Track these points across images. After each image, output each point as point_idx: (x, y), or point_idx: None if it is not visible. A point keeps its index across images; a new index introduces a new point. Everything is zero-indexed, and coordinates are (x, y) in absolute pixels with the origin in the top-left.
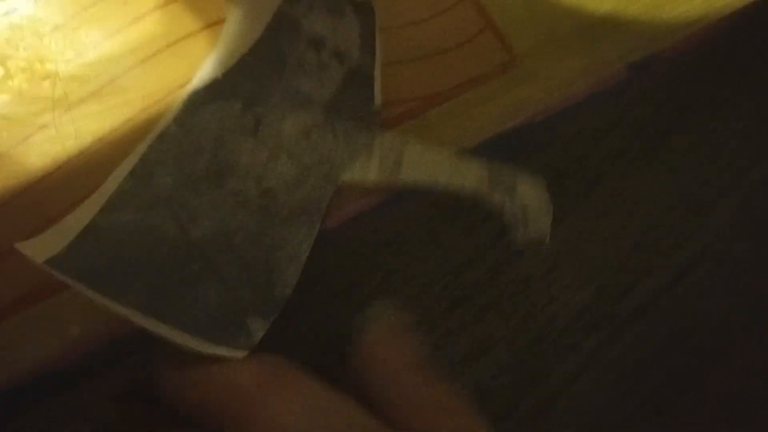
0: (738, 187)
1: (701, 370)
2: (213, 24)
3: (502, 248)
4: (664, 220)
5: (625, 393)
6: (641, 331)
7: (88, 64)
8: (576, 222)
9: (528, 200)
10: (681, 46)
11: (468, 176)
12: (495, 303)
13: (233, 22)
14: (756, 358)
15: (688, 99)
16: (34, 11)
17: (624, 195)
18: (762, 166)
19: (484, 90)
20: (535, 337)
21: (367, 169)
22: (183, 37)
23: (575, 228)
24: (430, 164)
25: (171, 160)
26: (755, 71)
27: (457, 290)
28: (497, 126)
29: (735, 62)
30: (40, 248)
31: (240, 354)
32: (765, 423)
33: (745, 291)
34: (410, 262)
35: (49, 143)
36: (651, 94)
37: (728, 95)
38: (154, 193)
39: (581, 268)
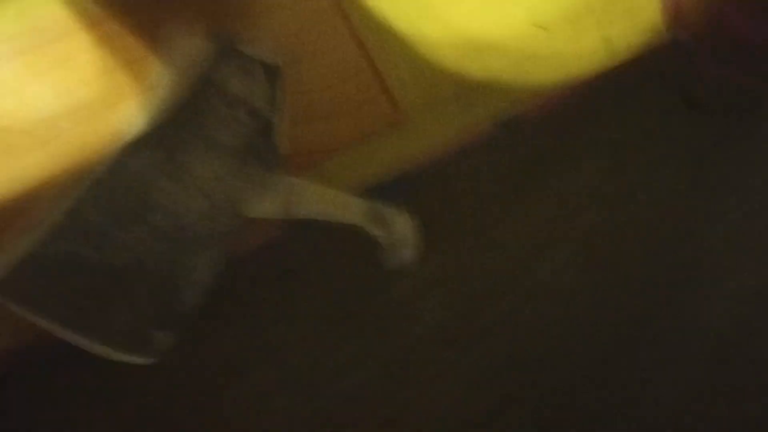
0: (576, 229)
1: (531, 380)
2: (147, 87)
3: (378, 277)
4: (513, 257)
5: (470, 399)
6: (488, 348)
7: (36, 119)
8: (442, 256)
9: (399, 233)
10: (542, 107)
11: (352, 212)
12: (371, 321)
13: (162, 85)
14: (575, 370)
15: (543, 152)
16: None
17: (483, 233)
18: (595, 210)
19: (372, 144)
20: (400, 349)
21: (270, 204)
22: (121, 97)
23: (441, 261)
24: (322, 203)
25: (102, 202)
26: (597, 129)
27: (338, 312)
28: (381, 174)
29: (582, 120)
30: None
31: (147, 361)
32: (583, 417)
33: (574, 317)
34: (302, 288)
35: None
36: (513, 148)
37: (575, 149)
38: (84, 229)
39: (442, 294)
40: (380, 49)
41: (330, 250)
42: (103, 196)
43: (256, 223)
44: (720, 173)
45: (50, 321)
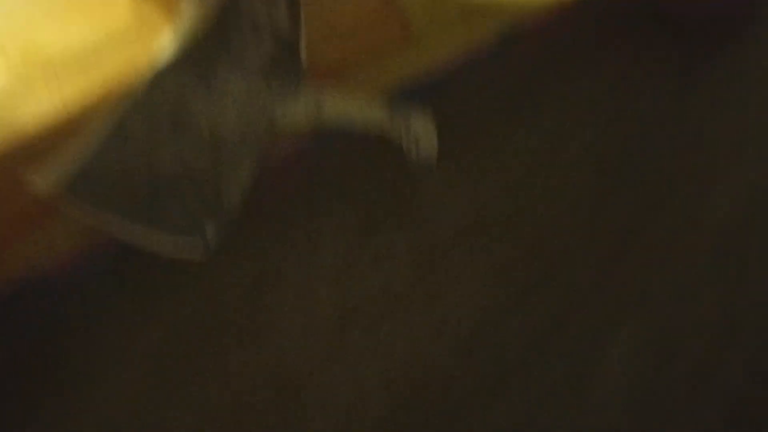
0: (582, 135)
1: (552, 268)
2: (173, 14)
3: (401, 181)
4: (524, 159)
5: (496, 283)
6: (507, 241)
7: (73, 48)
8: (458, 159)
9: (419, 130)
10: (540, 22)
11: (374, 115)
12: (395, 220)
13: (191, 11)
14: (591, 259)
15: (544, 65)
16: (28, 6)
17: (494, 141)
18: (597, 122)
19: (385, 59)
20: (426, 243)
21: (296, 114)
22: (150, 25)
23: (458, 164)
24: (345, 107)
25: (141, 118)
26: (590, 45)
27: (367, 212)
28: (396, 84)
29: (579, 37)
30: (44, 181)
31: (198, 251)
32: (597, 303)
33: (585, 212)
34: (331, 192)
35: (43, 112)
36: (516, 64)
37: (575, 63)
38: (128, 142)
39: (462, 193)
40: None
41: (354, 156)
42: (143, 113)
43: (285, 132)
44: (704, 89)
45: (110, 215)
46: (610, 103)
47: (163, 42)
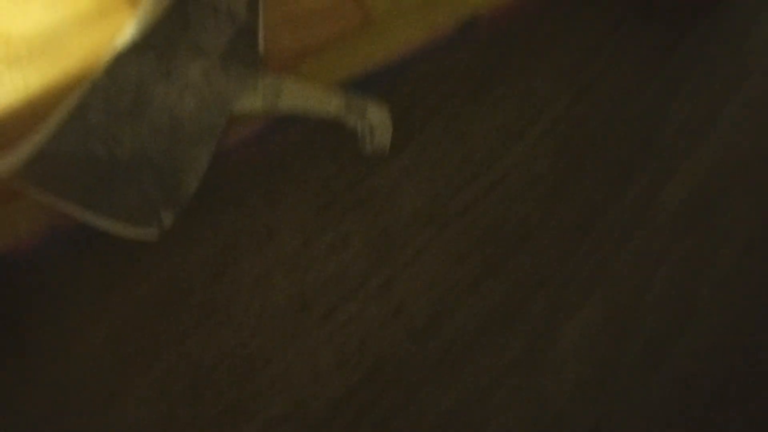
0: (541, 119)
1: (507, 252)
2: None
3: (358, 167)
4: (484, 143)
5: (451, 269)
6: (463, 225)
7: (35, 30)
8: (417, 146)
9: (374, 121)
10: (500, 8)
11: (330, 103)
12: (352, 207)
13: None
14: (546, 244)
15: (505, 50)
16: None
17: (454, 126)
18: (561, 101)
19: (344, 45)
20: (381, 231)
21: (253, 101)
22: (111, 8)
23: (416, 151)
24: (301, 95)
25: (101, 102)
26: (555, 29)
27: (324, 199)
28: (354, 71)
29: (542, 21)
30: (3, 165)
31: (153, 235)
32: (554, 287)
33: (543, 195)
34: (287, 178)
35: (4, 93)
36: (476, 47)
37: (536, 48)
38: (88, 127)
39: (419, 180)
40: None
41: (311, 143)
42: (102, 97)
43: (242, 118)
44: (674, 67)
45: (67, 200)
46: (574, 86)
47: (124, 26)
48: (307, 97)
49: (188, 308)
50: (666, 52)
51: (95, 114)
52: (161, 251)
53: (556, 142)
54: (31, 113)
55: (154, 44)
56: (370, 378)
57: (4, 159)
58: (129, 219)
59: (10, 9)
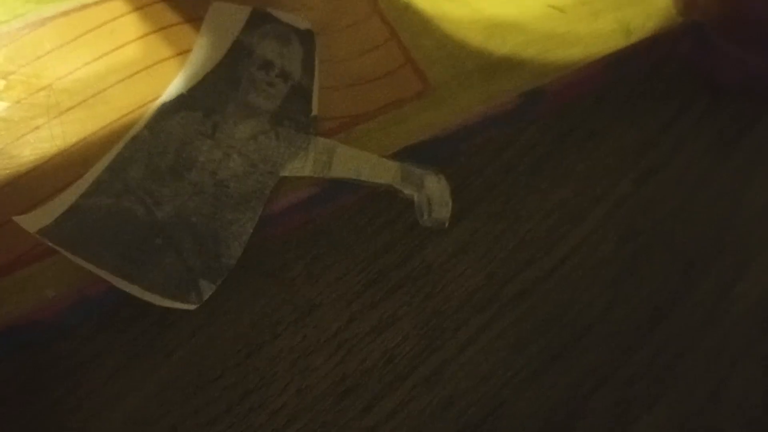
0: (606, 199)
1: (569, 342)
2: (183, 52)
3: (410, 241)
4: (544, 223)
5: (508, 358)
6: (522, 311)
7: (78, 79)
8: (473, 222)
9: (432, 193)
10: (564, 82)
11: (385, 173)
12: (402, 285)
13: (199, 48)
14: (612, 334)
15: (568, 126)
16: (33, 36)
17: (513, 202)
18: (625, 182)
19: (401, 112)
20: (433, 312)
21: (303, 166)
22: (158, 62)
23: (472, 226)
24: (355, 162)
25: (141, 158)
26: (621, 106)
27: (371, 274)
28: (411, 140)
29: (607, 98)
30: (33, 221)
31: (190, 306)
32: (620, 382)
33: (606, 283)
34: (333, 249)
35: (41, 142)
36: (538, 121)
37: (600, 124)
38: (126, 183)
39: (474, 259)
40: (403, 25)
41: (361, 212)
42: (142, 152)
43: (291, 181)
44: (746, 155)
45: (99, 265)
46: (639, 167)
47: (170, 80)
48: (360, 163)
49: (218, 389)
50: (736, 137)
51: (134, 170)
52: (192, 322)
53: (621, 226)
54: (67, 166)
55: (201, 101)
56: None
57: (37, 213)
58: (165, 288)
59: (53, 58)
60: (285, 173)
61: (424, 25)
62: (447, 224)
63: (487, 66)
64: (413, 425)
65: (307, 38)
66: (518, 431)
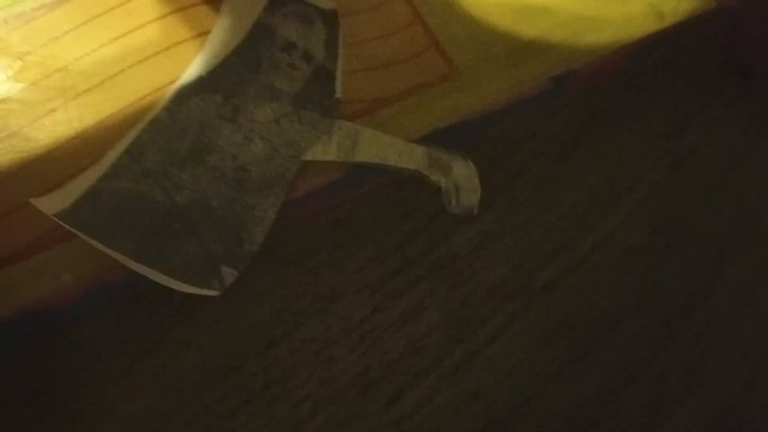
0: (637, 187)
1: (599, 334)
2: (202, 33)
3: (436, 229)
4: (574, 211)
5: (536, 351)
6: (550, 302)
7: (95, 61)
8: (499, 209)
9: (460, 179)
10: (595, 65)
11: (412, 158)
12: (427, 274)
13: (219, 30)
14: (643, 327)
15: (598, 110)
16: (50, 17)
17: (541, 189)
18: (658, 169)
19: (427, 95)
20: (459, 303)
21: (327, 150)
22: (176, 43)
23: (498, 214)
24: (380, 147)
25: (160, 141)
26: (652, 90)
27: (396, 262)
28: (437, 124)
29: (637, 82)
30: (50, 204)
31: (213, 293)
32: (652, 377)
33: (637, 274)
34: (357, 237)
35: (57, 124)
36: (568, 105)
37: (631, 109)
38: (144, 167)
39: (501, 247)
40: (428, 6)
41: (386, 199)
42: (161, 136)
43: (314, 166)
44: None
45: (118, 249)
46: (671, 154)
47: (190, 62)
48: (385, 148)
49: (239, 379)
50: None
51: (153, 153)
52: (212, 311)
53: (653, 214)
54: (84, 150)
55: (221, 83)
56: None
57: (54, 196)
58: (186, 274)
59: (70, 39)
60: (308, 158)
61: (449, 7)
62: (476, 211)
63: (515, 49)
64: (439, 419)
65: (330, 18)
66: (546, 427)
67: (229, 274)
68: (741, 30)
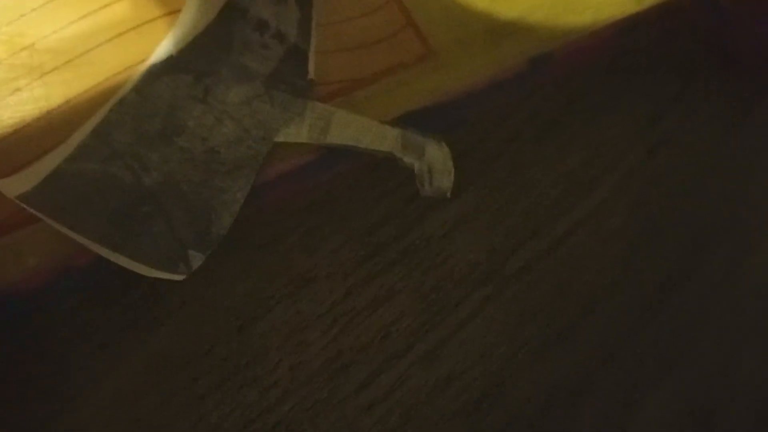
0: (615, 170)
1: (574, 318)
2: (173, 12)
3: (411, 212)
4: (549, 193)
5: (510, 336)
6: (525, 286)
7: (63, 39)
8: (475, 192)
9: (433, 161)
10: (573, 47)
11: (385, 140)
12: (401, 258)
13: (190, 8)
14: (620, 310)
15: (576, 93)
16: None
17: (517, 171)
18: (635, 153)
19: (402, 76)
20: (432, 287)
21: (299, 132)
22: (146, 21)
23: (474, 197)
24: (353, 129)
25: (129, 122)
26: (631, 74)
27: (370, 246)
28: (412, 106)
29: (617, 66)
30: (13, 186)
31: (179, 277)
32: (627, 361)
33: (613, 258)
34: (330, 221)
35: (22, 104)
36: (545, 88)
37: (609, 92)
38: (112, 148)
39: (476, 231)
40: None
41: (359, 182)
42: (130, 116)
43: (286, 148)
44: (757, 125)
45: (84, 234)
46: (650, 137)
47: (160, 41)
48: (359, 130)
49: (209, 364)
50: (748, 107)
51: (121, 134)
52: (182, 295)
53: (630, 198)
54: (50, 130)
55: (192, 63)
56: None
57: (17, 178)
58: (153, 258)
59: (38, 16)
60: (280, 139)
61: None
62: (449, 194)
63: (493, 30)
64: (410, 404)
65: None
66: (519, 411)
67: (197, 258)
68: (720, 14)
